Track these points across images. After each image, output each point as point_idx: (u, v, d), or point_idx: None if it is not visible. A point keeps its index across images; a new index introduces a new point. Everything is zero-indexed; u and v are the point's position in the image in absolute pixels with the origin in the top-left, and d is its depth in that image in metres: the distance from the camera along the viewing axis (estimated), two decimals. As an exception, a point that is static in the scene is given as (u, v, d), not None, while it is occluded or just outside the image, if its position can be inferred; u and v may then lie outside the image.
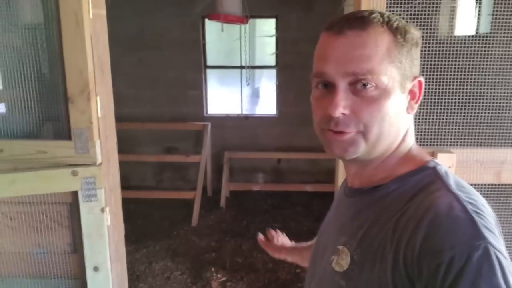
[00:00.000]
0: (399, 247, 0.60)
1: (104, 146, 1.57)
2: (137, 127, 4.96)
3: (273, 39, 4.98)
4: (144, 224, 4.10)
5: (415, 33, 0.69)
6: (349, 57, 0.65)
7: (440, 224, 0.57)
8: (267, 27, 5.11)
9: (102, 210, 1.55)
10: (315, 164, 4.98)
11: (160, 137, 5.15)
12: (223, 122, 5.16)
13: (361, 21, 0.66)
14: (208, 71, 5.18)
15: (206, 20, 4.80)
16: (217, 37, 5.14)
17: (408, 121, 0.73)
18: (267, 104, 5.36)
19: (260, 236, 1.25)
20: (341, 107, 0.65)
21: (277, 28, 4.91)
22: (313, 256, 0.87)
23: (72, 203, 1.58)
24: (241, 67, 5.06)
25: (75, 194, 1.54)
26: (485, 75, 1.62)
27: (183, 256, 3.48)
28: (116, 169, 1.72)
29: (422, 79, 0.71)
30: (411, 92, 0.71)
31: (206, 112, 5.22)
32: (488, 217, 0.60)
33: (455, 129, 1.55)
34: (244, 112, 5.34)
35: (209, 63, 5.14)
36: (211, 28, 4.97)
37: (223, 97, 5.50)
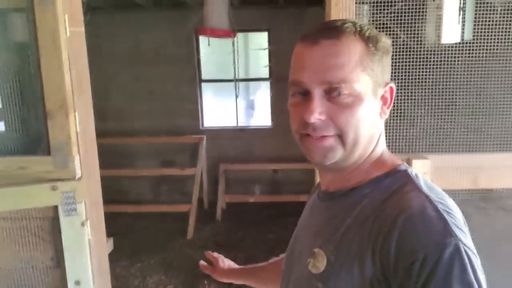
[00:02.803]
0: (376, 248, 0.62)
1: (84, 161, 1.58)
2: (133, 141, 4.99)
3: (266, 52, 5.02)
4: (140, 238, 4.10)
5: (386, 42, 0.72)
6: (324, 66, 0.67)
7: (414, 224, 0.60)
8: (260, 40, 5.17)
9: (83, 224, 1.55)
10: (311, 174, 4.96)
11: (157, 150, 5.18)
12: (219, 134, 5.19)
13: (334, 31, 0.68)
14: (204, 84, 5.23)
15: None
16: (211, 51, 5.20)
17: (381, 125, 0.75)
18: (262, 116, 5.38)
19: (202, 262, 1.25)
20: (316, 113, 0.67)
21: (269, 41, 4.96)
22: (288, 262, 0.88)
23: (54, 218, 1.59)
24: (235, 80, 5.10)
25: (56, 208, 1.55)
26: (464, 81, 1.63)
27: (177, 269, 3.47)
28: (98, 183, 1.73)
29: (393, 85, 0.74)
30: (383, 97, 0.73)
31: (202, 125, 5.25)
32: (458, 216, 0.63)
33: (430, 135, 1.56)
34: (240, 124, 5.36)
35: (204, 76, 5.18)
36: (205, 42, 5.03)
37: (219, 110, 5.53)
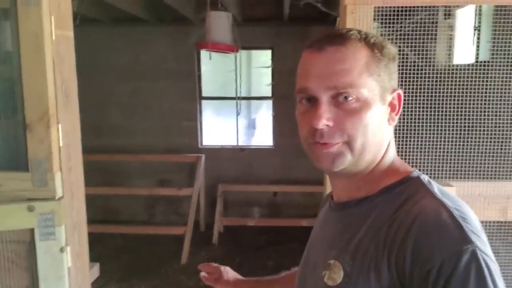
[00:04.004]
0: (391, 256, 0.62)
1: (66, 179, 1.43)
2: (130, 159, 4.84)
3: (269, 70, 4.92)
4: (131, 261, 3.90)
5: (392, 49, 0.73)
6: (330, 71, 0.68)
7: (429, 230, 0.60)
8: (263, 58, 5.08)
9: (62, 249, 1.40)
10: (312, 197, 4.80)
11: (154, 169, 5.02)
12: (218, 153, 5.04)
13: (340, 37, 0.69)
14: (204, 102, 5.10)
15: (202, 51, 4.77)
16: (213, 68, 5.10)
17: (390, 132, 0.75)
18: (263, 136, 5.24)
19: (203, 274, 1.20)
20: (324, 119, 0.67)
21: (272, 59, 4.87)
22: (301, 275, 0.87)
23: (30, 242, 1.43)
24: (237, 98, 4.99)
25: (32, 231, 1.39)
26: (485, 103, 1.53)
27: (170, 297, 3.26)
28: (82, 204, 1.57)
29: (400, 91, 0.74)
30: (391, 104, 0.73)
31: (201, 144, 5.10)
32: (474, 222, 0.62)
33: (454, 160, 1.41)
34: (240, 143, 5.22)
35: (204, 94, 5.06)
36: (207, 59, 4.94)
37: (219, 128, 5.40)
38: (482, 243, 0.59)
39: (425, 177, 0.71)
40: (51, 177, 1.36)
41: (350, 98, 0.67)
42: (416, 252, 0.58)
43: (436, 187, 0.68)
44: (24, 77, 1.33)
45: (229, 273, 1.19)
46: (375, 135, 0.70)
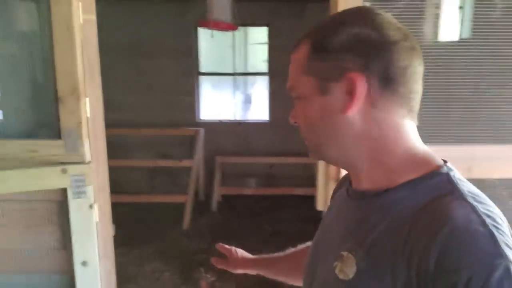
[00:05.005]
0: (412, 261, 0.57)
1: (93, 146, 1.62)
2: (130, 133, 5.01)
3: (265, 47, 5.07)
4: (136, 228, 4.14)
5: (341, 34, 0.66)
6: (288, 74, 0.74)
7: (457, 239, 0.54)
8: (259, 34, 5.21)
9: (91, 206, 1.59)
10: (307, 168, 5.04)
11: (154, 143, 5.20)
12: (216, 127, 5.23)
13: (299, 40, 0.73)
14: (202, 77, 5.26)
15: (199, 28, 4.89)
16: (210, 44, 5.23)
17: (372, 119, 0.67)
18: (260, 110, 5.43)
19: (214, 258, 1.19)
20: (291, 116, 0.75)
21: (269, 36, 5.01)
22: (311, 261, 0.82)
23: (61, 201, 1.63)
24: (234, 74, 5.15)
25: (64, 191, 1.58)
26: (461, 77, 1.68)
27: (173, 257, 3.53)
28: (105, 169, 1.77)
29: (354, 75, 0.65)
30: (347, 91, 0.66)
31: (200, 118, 5.28)
32: (507, 231, 0.57)
33: (428, 127, 1.62)
34: (237, 117, 5.41)
35: (202, 70, 5.22)
36: (205, 35, 5.06)
37: (217, 103, 5.57)
38: None
39: (455, 174, 0.65)
40: (81, 144, 1.55)
41: (295, 97, 0.73)
42: (442, 261, 0.53)
43: (466, 186, 0.62)
44: (56, 56, 1.50)
45: (238, 253, 1.18)
46: (325, 127, 0.69)
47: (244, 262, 1.16)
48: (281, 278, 1.12)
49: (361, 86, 0.64)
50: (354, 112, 0.66)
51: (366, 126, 0.67)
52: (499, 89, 1.65)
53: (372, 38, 0.65)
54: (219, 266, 1.18)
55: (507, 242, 0.54)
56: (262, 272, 1.14)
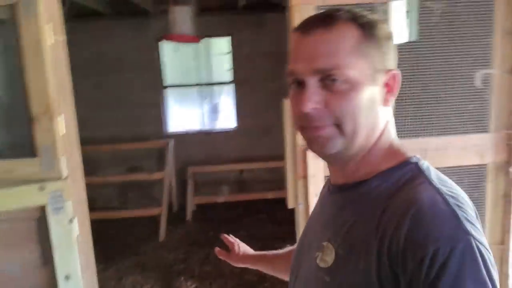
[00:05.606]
0: (383, 241, 0.60)
1: (68, 161, 1.66)
2: (100, 149, 4.96)
3: (229, 56, 5.19)
4: (112, 244, 4.11)
5: (384, 28, 0.70)
6: (316, 54, 0.66)
7: (424, 217, 0.58)
8: (222, 45, 5.32)
9: (71, 221, 1.63)
10: (276, 172, 5.16)
11: (123, 157, 5.17)
12: (185, 138, 5.28)
13: (327, 18, 0.67)
14: (168, 90, 5.31)
15: (162, 41, 4.95)
16: (174, 57, 5.29)
17: (386, 114, 0.73)
18: (226, 119, 5.53)
19: (218, 248, 1.24)
20: (310, 102, 0.66)
21: (232, 45, 5.13)
22: (297, 255, 0.86)
23: (41, 217, 1.65)
24: (199, 85, 5.22)
25: (42, 208, 1.61)
26: (411, 76, 1.84)
27: (152, 270, 3.55)
28: (82, 184, 1.81)
29: (397, 72, 0.71)
30: (387, 85, 0.71)
31: (168, 130, 5.32)
32: (469, 210, 0.61)
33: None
34: (205, 127, 5.48)
35: (168, 82, 5.27)
36: (168, 49, 5.12)
37: (185, 114, 5.62)
38: (477, 231, 0.58)
39: (424, 163, 0.69)
40: (57, 160, 1.59)
41: (337, 80, 0.65)
42: (409, 239, 0.57)
43: (434, 173, 0.67)
44: (27, 78, 1.54)
45: (241, 247, 1.21)
46: (366, 117, 0.68)
47: (244, 258, 1.19)
48: (278, 275, 1.13)
49: (399, 83, 0.72)
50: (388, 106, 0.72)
51: (380, 120, 0.72)
52: (444, 85, 1.83)
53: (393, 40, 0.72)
54: (221, 257, 1.22)
55: (468, 218, 0.59)
56: (260, 268, 1.17)
